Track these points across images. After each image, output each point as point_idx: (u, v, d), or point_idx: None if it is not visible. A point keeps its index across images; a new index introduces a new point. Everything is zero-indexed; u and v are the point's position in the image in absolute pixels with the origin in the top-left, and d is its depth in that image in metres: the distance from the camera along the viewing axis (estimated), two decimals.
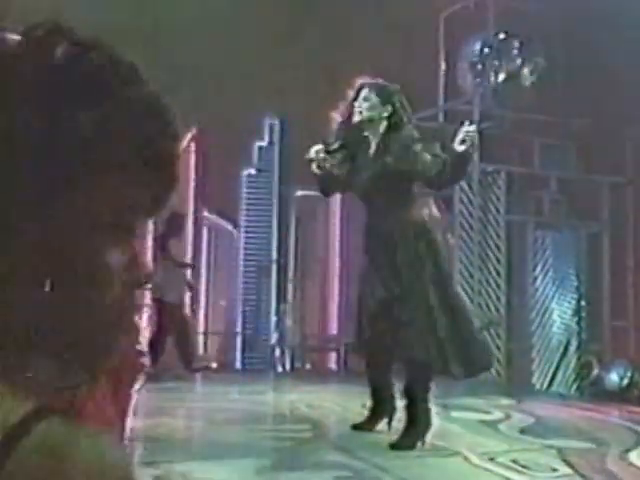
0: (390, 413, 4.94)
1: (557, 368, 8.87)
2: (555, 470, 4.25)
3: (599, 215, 9.31)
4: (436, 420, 5.81)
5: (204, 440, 4.99)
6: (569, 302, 9.15)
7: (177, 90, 8.54)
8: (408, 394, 4.78)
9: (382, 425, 4.96)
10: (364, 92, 4.96)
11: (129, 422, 1.59)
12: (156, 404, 6.81)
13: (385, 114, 4.92)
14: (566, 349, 8.92)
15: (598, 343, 8.82)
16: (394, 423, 4.89)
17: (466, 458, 4.44)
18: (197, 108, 10.12)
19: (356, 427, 4.99)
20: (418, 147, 4.87)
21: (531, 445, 5.00)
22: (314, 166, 5.09)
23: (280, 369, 10.20)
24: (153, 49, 9.90)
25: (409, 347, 4.76)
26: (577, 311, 9.08)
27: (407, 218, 4.93)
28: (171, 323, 9.30)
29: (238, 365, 10.38)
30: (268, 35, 10.07)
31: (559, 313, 9.18)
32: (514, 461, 4.39)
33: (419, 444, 4.60)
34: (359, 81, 5.13)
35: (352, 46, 9.75)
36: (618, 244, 9.13)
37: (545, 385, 8.81)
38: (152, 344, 9.49)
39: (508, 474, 4.11)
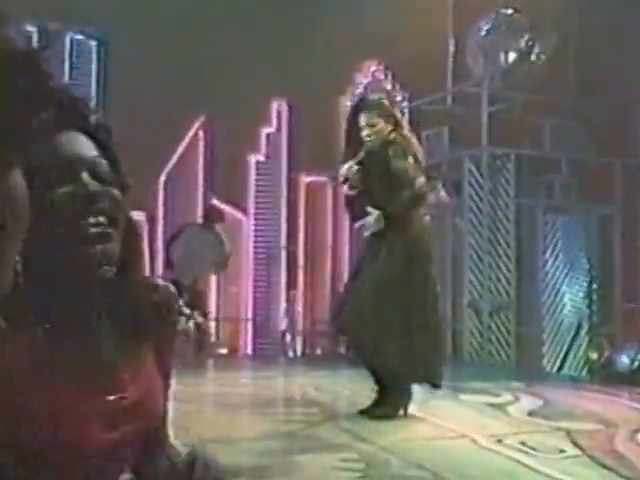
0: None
1: (568, 351, 8.85)
2: (563, 451, 4.24)
3: (610, 197, 9.27)
4: (445, 403, 5.86)
5: (213, 423, 4.99)
6: (580, 285, 9.13)
7: (187, 79, 8.57)
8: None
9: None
10: (366, 117, 5.09)
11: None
12: None
13: (390, 128, 5.08)
14: (577, 332, 8.90)
15: (609, 326, 8.79)
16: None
17: (474, 440, 4.43)
18: (205, 96, 10.16)
19: (363, 412, 5.02)
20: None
21: (539, 427, 4.99)
22: (346, 187, 5.17)
23: (290, 354, 10.23)
24: (166, 38, 9.96)
25: (383, 349, 4.89)
26: (588, 294, 9.05)
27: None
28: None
29: (249, 351, 10.41)
30: (276, 22, 10.07)
31: (570, 296, 9.15)
32: (522, 443, 4.38)
33: (401, 413, 4.85)
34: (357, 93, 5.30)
35: (361, 30, 9.72)
36: (630, 226, 9.08)
37: (556, 368, 8.79)
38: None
39: (516, 456, 4.10)
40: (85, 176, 1.38)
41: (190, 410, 5.48)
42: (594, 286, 9.08)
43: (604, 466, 3.92)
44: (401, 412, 4.95)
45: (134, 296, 1.52)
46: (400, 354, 4.83)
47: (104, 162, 1.42)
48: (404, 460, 3.93)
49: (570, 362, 8.91)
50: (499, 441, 4.42)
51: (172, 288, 1.61)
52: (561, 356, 8.88)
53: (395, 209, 4.98)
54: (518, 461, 3.99)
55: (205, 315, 9.72)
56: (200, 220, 10.09)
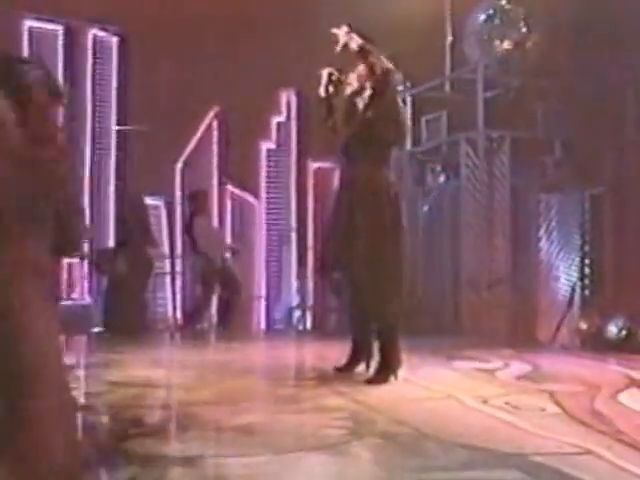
0: (367, 358, 5.14)
1: (561, 322, 8.76)
2: (544, 410, 4.18)
3: (602, 177, 9.15)
4: (437, 369, 5.83)
5: (217, 387, 4.97)
6: (572, 260, 9.02)
7: (202, 72, 8.55)
8: (380, 339, 5.03)
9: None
10: (359, 69, 5.16)
11: None
12: (182, 358, 6.88)
13: (369, 83, 5.06)
14: (570, 304, 8.81)
15: (599, 298, 8.70)
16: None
17: (459, 401, 4.38)
18: (219, 88, 10.13)
19: (338, 369, 5.18)
20: (398, 112, 5.06)
21: (524, 389, 4.92)
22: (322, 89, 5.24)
23: (300, 328, 10.24)
24: (183, 33, 9.95)
25: (371, 305, 4.97)
26: (580, 268, 8.95)
27: (378, 176, 5.01)
28: (208, 287, 9.40)
29: (262, 325, 10.43)
30: (282, 16, 10.01)
31: (563, 271, 9.07)
32: (506, 403, 4.33)
33: (392, 379, 4.88)
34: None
35: (363, 21, 9.63)
36: (619, 204, 8.97)
37: (549, 338, 8.70)
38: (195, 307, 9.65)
39: (498, 414, 4.05)
40: None
41: (198, 376, 5.50)
42: (586, 261, 8.98)
43: (582, 423, 3.86)
44: (392, 377, 4.95)
45: None
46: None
47: None
48: (390, 418, 3.89)
49: (563, 333, 8.82)
50: (484, 402, 4.36)
51: None
52: (554, 327, 8.79)
53: None
54: (499, 419, 3.94)
55: (238, 292, 9.65)
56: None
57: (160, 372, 5.74)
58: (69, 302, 10.24)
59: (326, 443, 3.34)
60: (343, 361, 5.27)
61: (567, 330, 8.80)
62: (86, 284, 10.36)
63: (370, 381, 4.87)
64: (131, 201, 9.78)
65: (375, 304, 4.92)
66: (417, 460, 3.13)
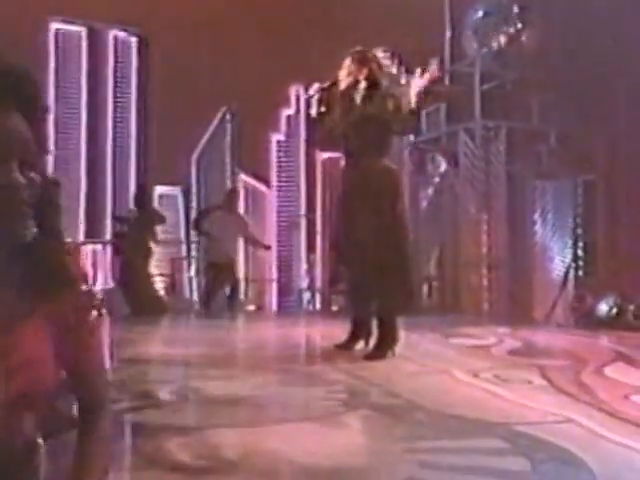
0: (367, 335, 5.05)
1: (556, 301, 8.69)
2: (531, 382, 4.13)
3: (594, 164, 9.06)
4: (434, 345, 5.78)
5: (222, 361, 4.95)
6: (566, 243, 8.95)
7: (216, 68, 8.51)
8: (379, 317, 4.94)
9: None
10: (347, 61, 5.01)
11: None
12: (193, 337, 6.86)
13: (362, 76, 4.94)
14: (564, 284, 8.73)
15: (592, 278, 8.62)
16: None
17: (452, 375, 4.32)
18: (232, 83, 10.10)
19: (338, 346, 5.09)
20: (392, 102, 4.88)
21: (515, 363, 4.86)
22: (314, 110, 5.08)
23: (309, 310, 10.21)
24: (198, 31, 9.92)
25: (376, 288, 4.86)
26: (574, 251, 8.87)
27: (380, 166, 4.93)
28: (215, 279, 9.42)
29: (274, 307, 10.42)
30: (290, 16, 9.95)
31: (558, 253, 8.99)
32: (496, 376, 4.27)
33: (390, 355, 4.82)
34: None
35: (368, 19, 9.56)
36: (610, 190, 8.89)
37: (545, 316, 8.63)
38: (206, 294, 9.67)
39: (487, 386, 3.99)
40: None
41: (206, 353, 5.47)
42: (579, 244, 8.90)
43: (566, 394, 3.80)
44: (390, 353, 4.89)
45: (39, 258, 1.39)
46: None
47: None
48: (384, 391, 3.84)
49: (558, 312, 8.75)
50: (475, 375, 4.31)
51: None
52: (549, 306, 8.72)
53: None
54: (488, 391, 3.89)
55: (236, 283, 9.72)
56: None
57: (171, 349, 5.72)
58: (95, 287, 10.27)
59: (320, 414, 3.31)
60: (343, 339, 5.21)
61: (562, 309, 8.74)
62: (109, 270, 10.37)
63: (368, 357, 4.80)
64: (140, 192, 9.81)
65: (379, 287, 4.84)
66: (406, 430, 3.08)
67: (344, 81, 5.04)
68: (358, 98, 5.00)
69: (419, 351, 5.33)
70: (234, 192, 9.99)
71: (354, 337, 5.12)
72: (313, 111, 5.12)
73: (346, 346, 5.09)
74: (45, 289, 1.33)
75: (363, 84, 4.95)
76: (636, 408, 3.50)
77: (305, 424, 3.15)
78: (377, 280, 4.84)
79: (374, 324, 5.02)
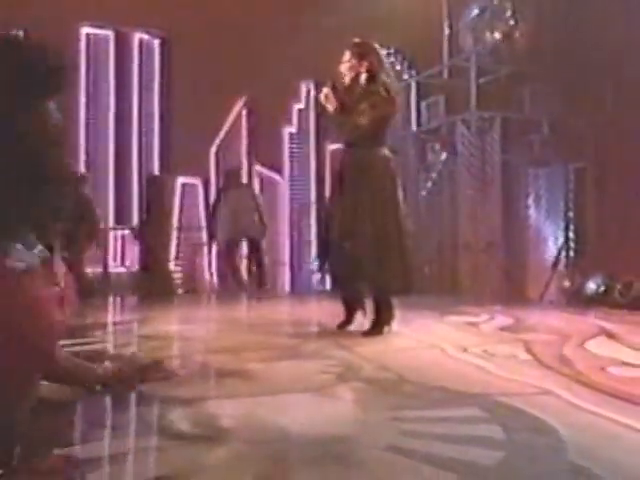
0: (362, 313, 5.05)
1: (548, 281, 8.62)
2: (516, 357, 4.09)
3: (584, 152, 8.95)
4: (428, 322, 5.74)
5: (227, 338, 4.95)
6: (558, 226, 8.86)
7: (231, 67, 8.48)
8: (376, 296, 4.91)
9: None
10: (347, 55, 4.89)
11: None
12: (208, 315, 6.87)
13: (362, 69, 4.83)
14: (555, 265, 8.66)
15: (582, 259, 8.54)
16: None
17: (442, 350, 4.30)
18: (246, 80, 10.07)
19: (339, 326, 5.04)
20: (392, 92, 4.82)
21: (503, 339, 4.82)
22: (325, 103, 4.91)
23: (319, 290, 10.17)
24: (214, 38, 9.90)
25: (367, 271, 4.77)
26: (565, 233, 8.79)
27: (379, 155, 4.86)
28: (228, 258, 9.37)
29: (287, 288, 10.41)
30: (300, 14, 9.88)
31: (550, 235, 8.91)
32: (484, 351, 4.24)
33: (386, 330, 4.81)
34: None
35: (373, 18, 9.48)
36: (600, 176, 8.78)
37: (538, 295, 8.57)
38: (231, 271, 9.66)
39: (474, 360, 3.96)
40: None
41: (217, 330, 5.48)
42: (570, 227, 8.81)
43: (548, 367, 3.76)
44: (386, 329, 4.88)
45: None
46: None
47: None
48: (377, 365, 3.82)
49: (551, 290, 8.68)
50: (465, 350, 4.28)
51: None
52: (542, 285, 8.65)
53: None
54: (475, 364, 3.86)
55: (260, 265, 9.65)
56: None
57: (185, 327, 5.72)
58: (121, 270, 10.31)
59: (315, 386, 3.29)
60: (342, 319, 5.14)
61: (554, 288, 8.67)
62: (136, 254, 10.41)
63: (366, 334, 4.79)
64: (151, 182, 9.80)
65: (377, 271, 4.76)
66: (394, 400, 3.06)
67: (347, 76, 4.93)
68: (359, 91, 4.91)
69: (414, 327, 5.30)
70: (231, 171, 9.88)
71: (350, 317, 5.07)
72: (322, 110, 5.02)
73: (343, 327, 5.05)
74: None
75: (364, 77, 4.85)
76: (611, 378, 3.46)
77: (300, 395, 3.13)
78: (374, 260, 4.77)
79: (367, 302, 4.99)
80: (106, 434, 2.58)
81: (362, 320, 5.07)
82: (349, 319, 5.08)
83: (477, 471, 2.10)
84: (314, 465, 2.18)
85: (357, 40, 4.94)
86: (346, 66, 4.86)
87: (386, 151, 5.00)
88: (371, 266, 4.79)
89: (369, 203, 4.79)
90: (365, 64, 4.83)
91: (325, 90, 4.86)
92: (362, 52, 4.87)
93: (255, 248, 9.39)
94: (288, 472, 2.15)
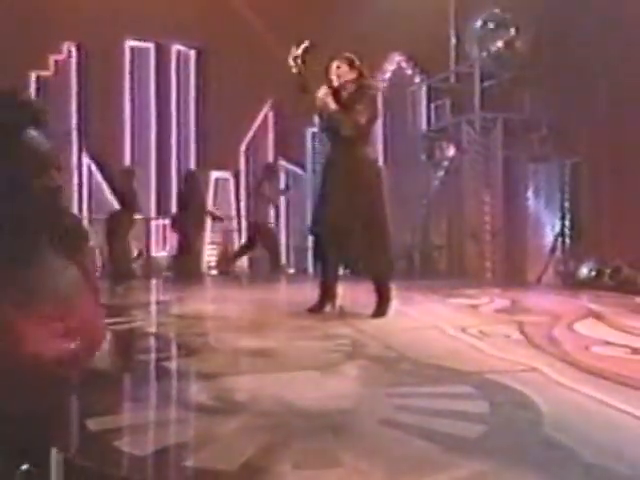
0: (332, 299, 4.93)
1: (546, 266, 8.52)
2: (509, 337, 4.06)
3: (579, 149, 8.82)
4: (433, 305, 5.70)
5: (252, 319, 4.95)
6: (555, 215, 8.76)
7: (258, 72, 8.44)
8: (376, 283, 4.83)
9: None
10: (336, 63, 4.85)
11: None
12: (233, 296, 6.88)
13: (351, 77, 4.80)
14: (553, 251, 8.55)
15: (577, 246, 8.43)
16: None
17: (442, 330, 4.28)
18: (273, 83, 10.05)
19: (310, 310, 4.88)
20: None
21: (498, 320, 4.78)
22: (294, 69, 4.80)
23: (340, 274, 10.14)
24: (243, 46, 9.90)
25: (359, 259, 4.77)
26: (561, 223, 8.67)
27: (363, 154, 4.82)
28: (254, 238, 9.41)
29: (311, 270, 10.40)
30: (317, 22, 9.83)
31: (548, 224, 8.81)
32: (480, 331, 4.20)
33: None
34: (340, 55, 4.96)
35: (390, 29, 9.41)
36: (594, 171, 8.66)
37: (537, 279, 8.47)
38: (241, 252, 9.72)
39: (470, 340, 3.94)
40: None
41: (240, 310, 5.48)
42: (566, 217, 8.70)
43: (536, 346, 3.73)
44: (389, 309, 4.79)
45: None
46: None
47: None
48: (381, 344, 3.81)
49: (549, 274, 8.58)
50: (463, 330, 4.25)
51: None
52: (541, 270, 8.56)
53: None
54: (470, 344, 3.83)
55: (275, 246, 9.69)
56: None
57: (212, 306, 5.73)
58: (163, 254, 10.41)
59: (323, 364, 3.29)
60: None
61: (551, 271, 8.58)
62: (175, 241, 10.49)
63: (374, 314, 4.72)
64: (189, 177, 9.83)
65: (369, 257, 4.74)
66: (392, 377, 3.06)
67: (338, 80, 4.85)
68: (352, 93, 4.79)
69: (418, 309, 5.28)
70: (268, 166, 9.88)
71: (324, 301, 4.93)
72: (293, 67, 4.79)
73: (317, 309, 4.87)
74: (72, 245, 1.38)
75: (352, 86, 4.78)
76: (593, 357, 3.42)
77: (309, 372, 3.13)
78: (361, 248, 4.68)
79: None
80: (130, 406, 2.60)
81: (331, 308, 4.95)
82: (322, 304, 4.92)
83: (459, 443, 2.09)
84: (313, 435, 2.18)
85: (347, 54, 4.91)
86: (338, 71, 4.80)
87: (368, 148, 4.98)
88: (362, 251, 4.72)
89: (361, 196, 4.69)
90: (355, 70, 4.81)
91: (323, 90, 4.85)
92: (351, 61, 4.87)
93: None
94: (289, 441, 2.15)
